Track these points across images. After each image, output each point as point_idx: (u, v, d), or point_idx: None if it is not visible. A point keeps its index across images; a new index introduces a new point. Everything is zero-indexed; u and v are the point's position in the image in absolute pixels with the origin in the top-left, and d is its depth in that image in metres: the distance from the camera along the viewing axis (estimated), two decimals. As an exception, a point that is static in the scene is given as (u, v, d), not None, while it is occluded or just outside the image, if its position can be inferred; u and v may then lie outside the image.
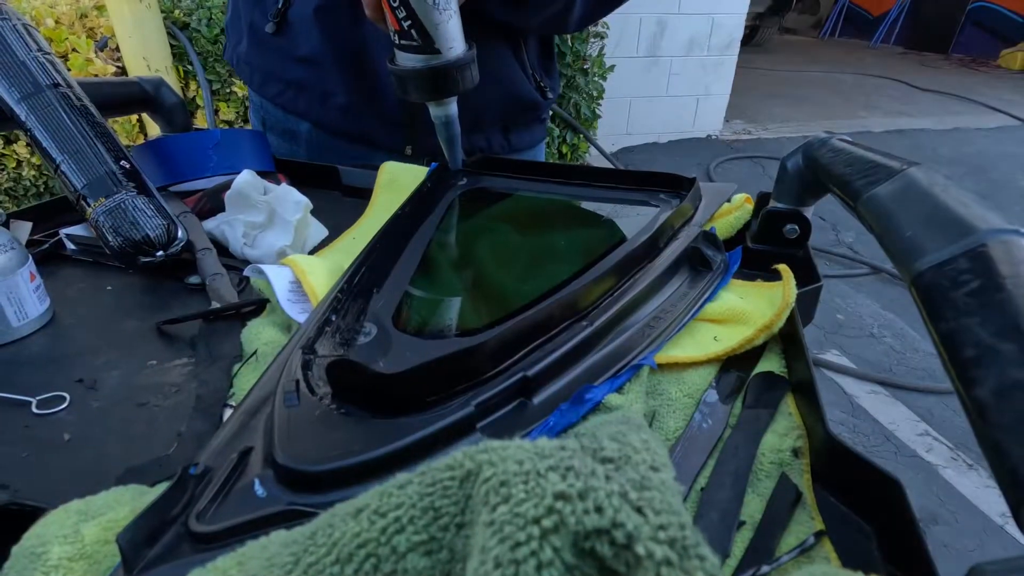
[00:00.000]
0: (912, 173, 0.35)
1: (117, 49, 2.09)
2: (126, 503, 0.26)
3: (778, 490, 0.31)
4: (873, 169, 0.38)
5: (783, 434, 0.34)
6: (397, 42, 0.54)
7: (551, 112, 2.72)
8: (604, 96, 2.95)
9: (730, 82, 3.94)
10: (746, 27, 3.89)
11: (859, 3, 8.52)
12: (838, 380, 1.89)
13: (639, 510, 0.13)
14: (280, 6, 0.71)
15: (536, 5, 0.67)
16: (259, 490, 0.26)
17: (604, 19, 2.76)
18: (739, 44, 3.80)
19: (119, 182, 0.52)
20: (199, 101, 2.25)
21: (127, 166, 0.53)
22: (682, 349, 0.41)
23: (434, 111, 0.59)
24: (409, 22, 0.51)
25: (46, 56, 0.55)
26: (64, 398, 0.38)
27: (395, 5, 0.50)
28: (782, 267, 0.46)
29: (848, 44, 8.34)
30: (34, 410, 0.37)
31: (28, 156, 2.19)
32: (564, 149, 2.88)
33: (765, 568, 0.26)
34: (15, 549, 0.23)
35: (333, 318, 0.39)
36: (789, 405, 0.37)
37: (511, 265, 0.49)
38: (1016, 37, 6.72)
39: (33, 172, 2.23)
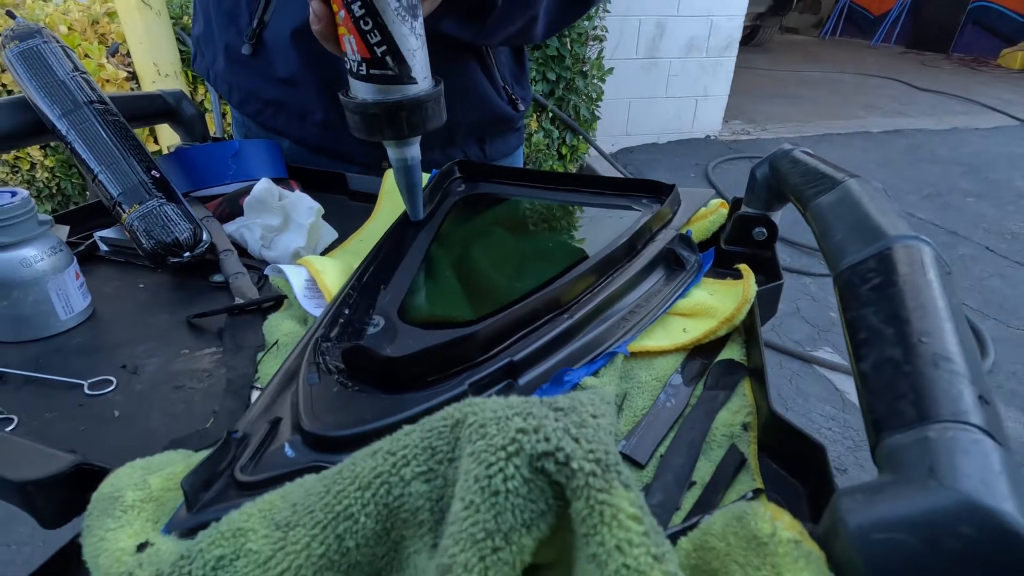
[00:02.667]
0: (849, 185, 0.40)
1: (128, 55, 2.15)
2: (179, 462, 0.31)
3: (727, 457, 0.36)
4: (821, 180, 0.43)
5: (735, 411, 0.39)
6: (364, 72, 0.47)
7: (551, 114, 2.77)
8: (603, 97, 3.00)
9: (729, 83, 3.99)
10: (747, 27, 3.93)
11: (860, 3, 8.55)
12: (830, 376, 1.94)
13: (576, 439, 0.18)
14: (255, 27, 0.72)
15: (497, 24, 0.66)
16: (289, 452, 0.31)
17: (603, 22, 2.81)
18: (738, 45, 3.85)
19: (150, 190, 0.57)
20: (207, 105, 2.32)
21: (157, 175, 0.59)
22: (654, 339, 0.46)
23: (395, 153, 0.53)
24: (384, 48, 0.45)
25: (82, 75, 0.60)
26: (111, 381, 0.43)
27: (367, 28, 0.44)
28: (743, 266, 0.51)
29: (849, 44, 8.37)
30: (86, 391, 0.42)
31: (41, 159, 2.25)
32: (564, 150, 2.93)
33: (707, 517, 0.31)
34: (94, 495, 0.28)
35: (346, 311, 0.44)
36: (745, 388, 0.42)
37: (503, 264, 0.54)
38: (1016, 37, 6.75)
39: (46, 174, 2.30)
